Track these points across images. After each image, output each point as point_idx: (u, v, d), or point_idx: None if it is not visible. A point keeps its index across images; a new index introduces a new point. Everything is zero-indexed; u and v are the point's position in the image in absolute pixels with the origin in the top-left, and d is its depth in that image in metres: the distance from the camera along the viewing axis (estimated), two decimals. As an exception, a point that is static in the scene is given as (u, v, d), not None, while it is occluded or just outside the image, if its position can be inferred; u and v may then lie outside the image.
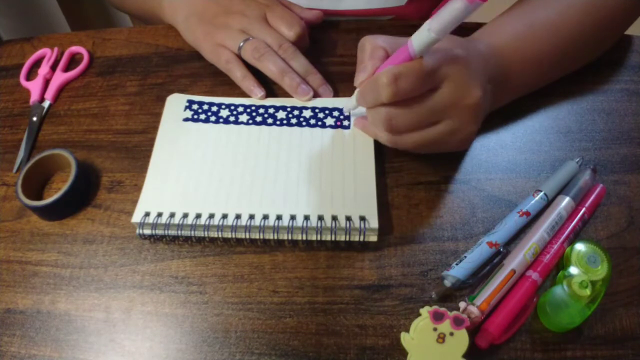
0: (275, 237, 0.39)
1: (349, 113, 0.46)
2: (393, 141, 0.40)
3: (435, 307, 0.36)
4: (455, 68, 0.37)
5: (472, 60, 0.38)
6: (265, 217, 0.40)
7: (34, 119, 0.50)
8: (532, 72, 0.44)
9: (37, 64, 0.55)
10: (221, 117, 0.47)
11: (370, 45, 0.40)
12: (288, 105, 0.47)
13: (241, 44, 0.47)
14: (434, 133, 0.39)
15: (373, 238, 0.40)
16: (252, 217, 0.40)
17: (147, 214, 0.40)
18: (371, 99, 0.38)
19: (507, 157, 0.45)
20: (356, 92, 0.41)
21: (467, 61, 0.37)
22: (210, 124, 0.46)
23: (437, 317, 0.35)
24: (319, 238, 0.39)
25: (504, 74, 0.42)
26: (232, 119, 0.47)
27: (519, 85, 0.45)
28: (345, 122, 0.46)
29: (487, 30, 0.44)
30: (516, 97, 0.46)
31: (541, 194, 0.41)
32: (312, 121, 0.46)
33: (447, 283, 0.38)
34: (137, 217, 0.40)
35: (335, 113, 0.46)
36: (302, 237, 0.39)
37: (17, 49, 0.58)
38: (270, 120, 0.46)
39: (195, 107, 0.48)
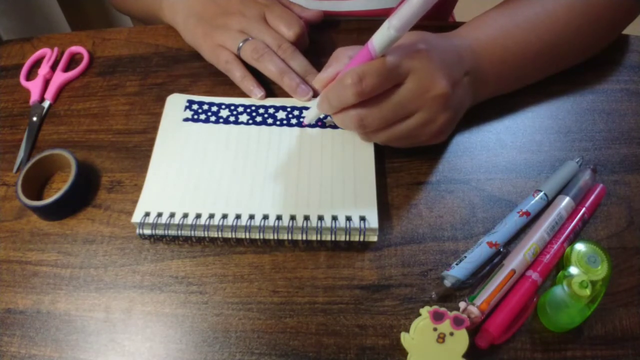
0: (275, 237, 0.39)
1: (309, 123, 0.45)
2: (367, 139, 0.42)
3: (435, 307, 0.36)
4: (417, 62, 0.37)
5: (436, 53, 0.38)
6: (265, 217, 0.40)
7: (34, 119, 0.50)
8: (515, 67, 0.44)
9: (37, 64, 0.55)
10: (221, 117, 0.47)
11: (338, 53, 0.41)
12: (288, 105, 0.47)
13: (240, 44, 0.47)
14: (406, 127, 0.39)
15: (373, 238, 0.40)
16: (252, 217, 0.40)
17: (147, 214, 0.40)
18: (337, 102, 0.38)
19: (507, 157, 0.45)
20: (318, 99, 0.41)
21: (429, 54, 0.38)
22: (210, 124, 0.46)
23: (437, 317, 0.35)
24: (319, 238, 0.40)
25: (483, 68, 0.42)
26: (232, 119, 0.47)
27: (501, 79, 0.45)
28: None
29: (470, 25, 0.45)
30: (502, 92, 0.46)
31: (541, 194, 0.41)
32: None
33: (447, 283, 0.38)
34: (137, 217, 0.40)
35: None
36: (302, 237, 0.39)
37: (17, 49, 0.58)
38: (270, 120, 0.46)
39: (195, 107, 0.48)
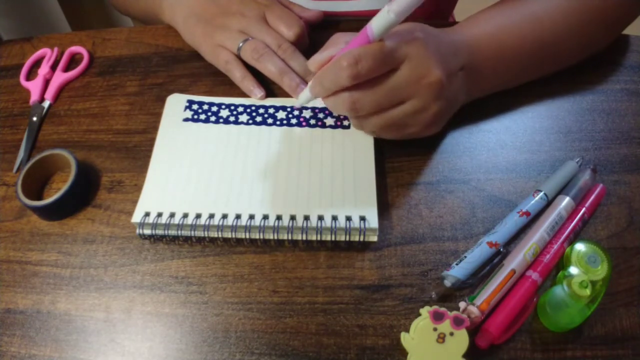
0: (275, 237, 0.39)
1: (300, 107, 0.46)
2: (358, 125, 0.42)
3: (435, 307, 0.36)
4: (414, 48, 0.37)
5: (432, 42, 0.38)
6: (265, 217, 0.40)
7: (34, 119, 0.50)
8: (511, 63, 0.44)
9: (37, 64, 0.55)
10: (221, 117, 0.47)
11: (335, 38, 0.41)
12: (288, 105, 0.47)
13: (240, 44, 0.47)
14: (398, 113, 0.39)
15: (373, 238, 0.40)
16: (252, 217, 0.40)
17: (147, 214, 0.40)
18: (331, 84, 0.38)
19: (507, 157, 0.45)
20: (309, 84, 0.41)
21: (426, 42, 0.38)
22: (210, 124, 0.46)
23: (437, 317, 0.35)
24: (319, 238, 0.39)
25: (478, 63, 0.42)
26: (232, 119, 0.47)
27: (497, 75, 0.45)
28: (345, 122, 0.46)
29: (467, 22, 0.45)
30: (498, 89, 0.46)
31: (541, 194, 0.41)
32: (312, 121, 0.46)
33: (447, 283, 0.38)
34: (137, 217, 0.40)
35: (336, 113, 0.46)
36: (302, 237, 0.39)
37: (17, 49, 0.58)
38: (270, 121, 0.46)
39: (195, 107, 0.48)
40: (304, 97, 0.43)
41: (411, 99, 0.38)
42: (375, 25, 0.35)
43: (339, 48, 0.39)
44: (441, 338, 0.34)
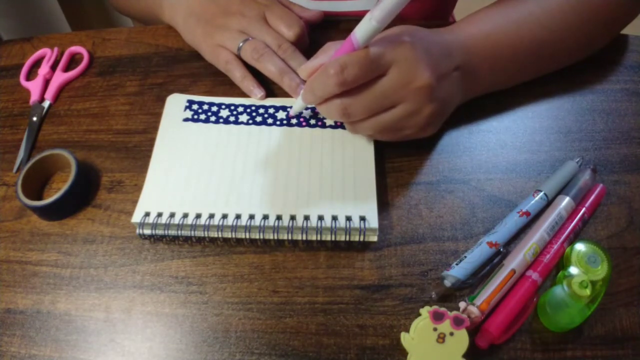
0: (275, 237, 0.39)
1: (295, 114, 0.46)
2: (353, 130, 0.42)
3: (435, 307, 0.36)
4: (400, 53, 0.37)
5: (420, 45, 0.38)
6: (265, 217, 0.40)
7: (34, 119, 0.50)
8: (508, 62, 0.44)
9: (37, 64, 0.55)
10: (221, 117, 0.47)
11: (327, 47, 0.41)
12: (288, 105, 0.47)
13: (240, 44, 0.47)
14: (390, 117, 0.39)
15: (373, 238, 0.40)
16: (252, 217, 0.40)
17: (147, 214, 0.40)
18: (320, 92, 0.38)
19: (507, 157, 0.45)
20: (301, 92, 0.41)
21: (413, 46, 0.38)
22: (210, 124, 0.46)
23: (437, 317, 0.35)
24: (319, 238, 0.40)
25: (474, 62, 0.42)
26: (232, 119, 0.47)
27: (494, 74, 0.45)
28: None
29: (463, 21, 0.45)
30: (496, 88, 0.46)
31: (541, 194, 0.41)
32: (312, 121, 0.46)
33: (447, 283, 0.38)
34: (137, 217, 0.40)
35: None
36: (302, 237, 0.39)
37: (17, 49, 0.58)
38: (270, 121, 0.46)
39: (195, 107, 0.48)
40: (298, 106, 0.44)
41: (402, 103, 0.38)
42: (358, 33, 0.35)
43: (330, 55, 0.39)
44: (441, 338, 0.35)
